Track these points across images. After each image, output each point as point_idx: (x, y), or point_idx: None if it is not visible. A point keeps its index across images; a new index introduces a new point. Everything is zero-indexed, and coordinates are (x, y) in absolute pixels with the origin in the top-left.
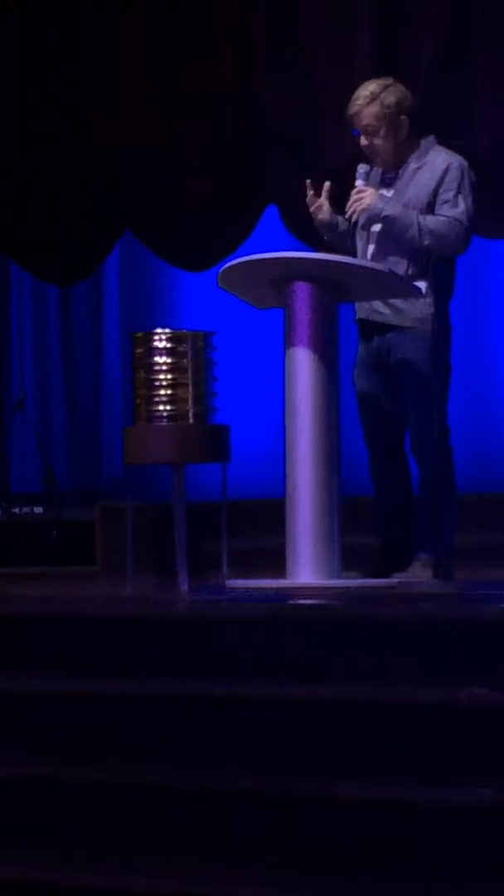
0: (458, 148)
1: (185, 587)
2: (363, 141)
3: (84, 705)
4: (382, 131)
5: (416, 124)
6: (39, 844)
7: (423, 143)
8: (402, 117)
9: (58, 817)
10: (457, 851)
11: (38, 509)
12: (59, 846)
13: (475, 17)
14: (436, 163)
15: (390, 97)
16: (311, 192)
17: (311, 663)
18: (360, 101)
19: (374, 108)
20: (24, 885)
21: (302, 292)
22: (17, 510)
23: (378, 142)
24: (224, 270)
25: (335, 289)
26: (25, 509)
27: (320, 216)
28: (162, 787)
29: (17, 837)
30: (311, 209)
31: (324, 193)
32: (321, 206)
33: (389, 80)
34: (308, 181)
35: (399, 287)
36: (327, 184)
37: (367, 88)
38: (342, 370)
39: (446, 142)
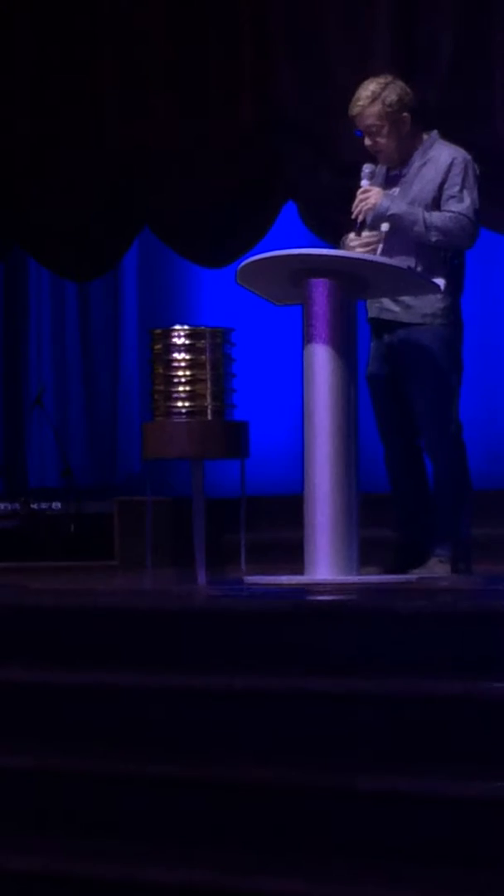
0: (473, 142)
1: (202, 581)
2: (367, 141)
3: (103, 698)
4: (385, 130)
5: (431, 115)
6: (62, 836)
7: (427, 138)
8: (405, 114)
9: (79, 809)
10: (476, 844)
11: (57, 504)
12: (82, 838)
13: (493, 10)
14: (440, 158)
15: (391, 95)
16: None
17: (329, 657)
18: (361, 102)
19: (375, 108)
20: (47, 877)
21: (320, 288)
22: (35, 505)
23: (382, 140)
24: (242, 267)
25: (353, 285)
26: (44, 504)
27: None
28: (180, 779)
29: (40, 829)
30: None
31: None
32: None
33: (389, 78)
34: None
35: (418, 283)
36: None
37: (368, 88)
38: (360, 366)
39: (463, 136)
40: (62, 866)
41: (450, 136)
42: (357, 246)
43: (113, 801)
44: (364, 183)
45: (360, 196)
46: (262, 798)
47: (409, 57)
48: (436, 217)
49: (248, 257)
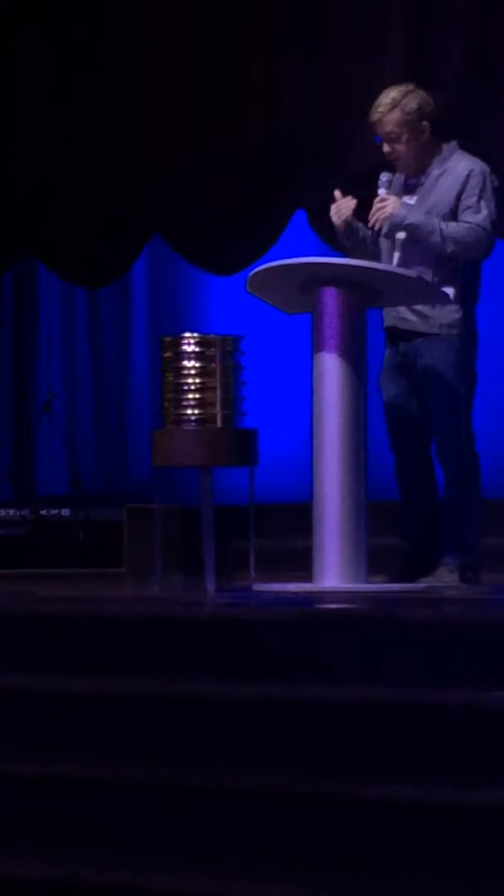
0: (486, 153)
1: (211, 589)
2: (385, 148)
3: (111, 705)
4: (404, 138)
5: (444, 127)
6: (66, 843)
7: (445, 148)
8: (424, 123)
9: (83, 816)
10: (480, 853)
11: (65, 511)
12: (86, 845)
13: None
14: (458, 169)
15: (411, 103)
16: (338, 194)
17: (337, 665)
18: (381, 109)
19: (395, 115)
20: (50, 884)
21: (330, 297)
22: (44, 512)
23: (400, 148)
24: (253, 275)
25: (363, 294)
26: (53, 511)
27: (344, 216)
28: (187, 786)
29: (46, 836)
30: (339, 213)
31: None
32: (348, 206)
33: (410, 87)
34: (337, 190)
35: (427, 293)
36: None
37: (388, 95)
38: (370, 375)
39: (475, 145)
40: (65, 873)
41: (461, 148)
42: (334, 210)
43: (117, 807)
44: (381, 191)
45: (377, 204)
46: (266, 805)
47: (419, 68)
48: (452, 227)
49: (257, 265)
